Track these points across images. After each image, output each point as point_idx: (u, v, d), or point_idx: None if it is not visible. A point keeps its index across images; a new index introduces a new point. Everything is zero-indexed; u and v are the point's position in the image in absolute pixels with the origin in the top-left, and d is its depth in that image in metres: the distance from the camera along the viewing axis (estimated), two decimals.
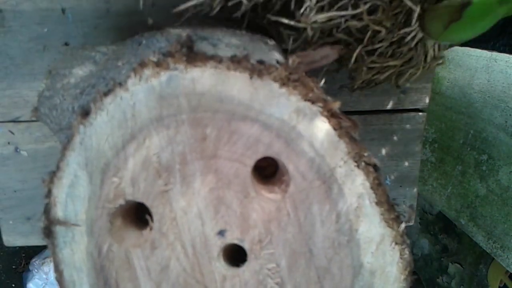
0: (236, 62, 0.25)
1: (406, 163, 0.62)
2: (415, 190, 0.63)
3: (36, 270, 1.50)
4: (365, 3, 0.30)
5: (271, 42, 0.33)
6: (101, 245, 0.27)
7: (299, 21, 0.31)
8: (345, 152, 0.25)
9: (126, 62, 0.30)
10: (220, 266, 0.27)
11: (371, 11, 0.31)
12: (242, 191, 0.26)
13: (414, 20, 0.31)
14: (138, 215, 0.28)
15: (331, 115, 0.25)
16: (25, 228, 0.58)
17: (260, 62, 0.25)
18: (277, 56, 0.30)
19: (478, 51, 0.92)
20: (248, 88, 0.25)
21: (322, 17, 0.30)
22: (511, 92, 0.83)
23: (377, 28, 0.31)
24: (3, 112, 0.51)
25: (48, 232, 0.27)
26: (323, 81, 0.35)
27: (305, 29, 0.32)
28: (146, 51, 0.30)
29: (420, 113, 0.59)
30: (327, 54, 0.28)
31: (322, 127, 0.25)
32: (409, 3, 0.29)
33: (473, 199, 0.93)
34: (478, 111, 0.91)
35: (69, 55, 0.36)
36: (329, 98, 0.26)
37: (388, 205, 0.25)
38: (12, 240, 0.59)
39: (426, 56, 0.34)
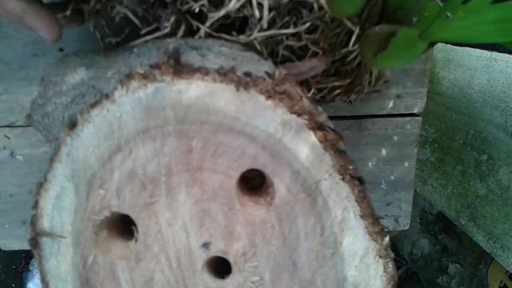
0: (223, 74, 0.25)
1: (402, 168, 0.62)
2: (410, 194, 0.63)
3: (36, 270, 1.50)
4: (304, 23, 0.30)
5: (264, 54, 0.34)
6: (87, 257, 0.27)
7: (238, 37, 0.31)
8: (330, 164, 0.25)
9: (116, 71, 0.30)
10: (204, 279, 0.27)
11: (311, 31, 0.31)
12: (227, 204, 0.26)
13: (352, 41, 0.31)
14: (124, 226, 0.28)
15: (317, 127, 0.25)
16: (21, 232, 0.58)
17: (247, 74, 0.25)
18: (267, 66, 0.31)
19: (478, 51, 0.92)
20: (234, 100, 0.25)
21: (261, 34, 0.31)
22: (511, 92, 0.83)
23: (314, 48, 0.31)
24: None
25: (35, 243, 0.27)
26: (312, 91, 0.35)
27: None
28: (137, 60, 0.30)
29: (416, 118, 0.59)
30: (315, 65, 0.28)
31: (307, 140, 0.25)
32: (349, 24, 0.29)
33: (473, 199, 0.92)
34: (478, 111, 0.91)
35: (62, 62, 0.36)
36: (318, 108, 0.26)
37: (373, 218, 0.25)
38: (9, 244, 0.60)
39: (371, 75, 0.34)
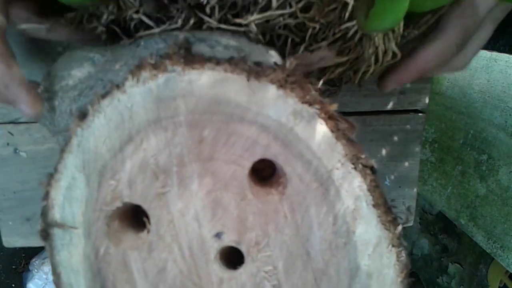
0: (234, 64, 0.25)
1: (406, 164, 0.62)
2: (414, 190, 0.63)
3: (36, 270, 1.50)
4: (298, 1, 0.30)
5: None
6: (98, 248, 0.27)
7: (235, 21, 0.31)
8: (342, 154, 0.25)
9: (124, 64, 0.30)
10: (217, 269, 0.27)
11: (307, 8, 0.31)
12: (239, 193, 0.26)
13: (347, 14, 0.30)
14: (135, 217, 0.28)
15: (328, 117, 0.25)
16: (24, 229, 0.58)
17: (258, 64, 0.25)
18: (275, 58, 0.30)
19: None
20: (245, 90, 0.25)
21: (259, 16, 0.30)
22: (511, 92, 0.84)
23: (311, 24, 0.31)
24: (2, 113, 0.51)
25: (46, 234, 0.27)
26: (321, 82, 0.35)
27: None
28: (144, 53, 0.30)
29: (420, 114, 0.59)
30: (325, 56, 0.28)
31: (319, 129, 0.25)
32: None
33: (473, 199, 0.93)
34: (478, 111, 0.91)
35: (67, 57, 0.36)
36: (326, 100, 0.26)
37: (385, 208, 0.25)
38: (12, 241, 0.59)
39: (377, 51, 0.34)
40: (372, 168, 0.26)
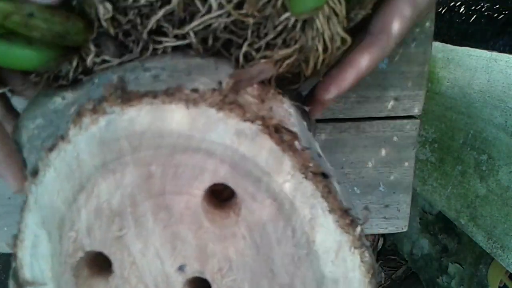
0: (171, 94, 0.25)
1: (400, 170, 0.62)
2: (409, 196, 0.62)
3: None
4: (229, 1, 0.30)
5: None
6: None
7: (173, 32, 0.31)
8: (290, 165, 0.25)
9: (78, 106, 0.30)
10: None
11: (242, 5, 0.31)
12: (195, 223, 0.26)
13: (279, 2, 0.30)
14: (105, 261, 0.28)
15: (272, 131, 0.25)
16: None
17: (194, 90, 0.25)
18: (224, 72, 0.31)
19: (478, 51, 0.94)
20: (186, 118, 0.25)
21: (194, 24, 0.31)
22: (511, 92, 0.84)
23: (247, 20, 0.31)
24: None
25: None
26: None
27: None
28: (98, 91, 0.30)
29: (414, 120, 0.60)
30: (263, 69, 0.28)
31: (264, 145, 0.25)
32: None
33: (473, 199, 0.92)
34: (478, 111, 0.91)
35: (32, 104, 0.37)
36: (266, 114, 0.26)
37: (341, 211, 0.25)
38: (5, 244, 0.60)
39: (323, 37, 0.33)
40: (323, 174, 0.25)
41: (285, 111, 0.32)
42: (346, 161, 0.61)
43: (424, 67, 0.56)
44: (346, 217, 0.25)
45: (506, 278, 1.05)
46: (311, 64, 0.34)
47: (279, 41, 0.33)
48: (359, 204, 0.63)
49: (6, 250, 0.60)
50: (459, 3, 1.03)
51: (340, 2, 0.32)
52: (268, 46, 0.33)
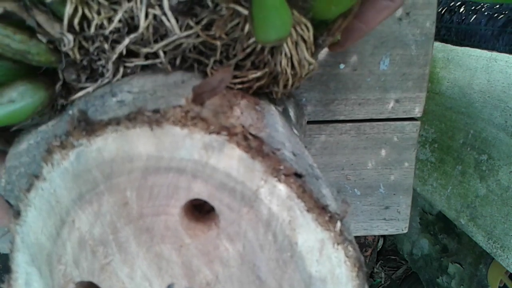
0: (133, 119, 0.25)
1: (400, 171, 0.62)
2: (409, 198, 0.62)
3: None
4: (198, 22, 0.30)
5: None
6: None
7: (141, 50, 0.31)
8: (262, 171, 0.25)
9: (46, 143, 0.31)
10: None
11: (211, 27, 0.31)
12: (177, 241, 0.26)
13: (247, 27, 0.30)
14: None
15: (238, 139, 0.25)
16: None
17: (156, 111, 0.25)
18: (192, 81, 0.31)
19: (478, 51, 0.94)
20: (152, 140, 0.25)
21: (163, 43, 0.31)
22: (511, 92, 0.83)
23: (214, 42, 0.31)
24: None
25: None
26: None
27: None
28: (63, 126, 0.31)
29: (414, 122, 0.60)
30: (222, 77, 0.28)
31: (233, 154, 0.25)
32: (239, 9, 0.29)
33: (473, 199, 0.92)
34: (478, 111, 0.91)
35: (16, 143, 0.37)
36: (230, 123, 0.26)
37: (319, 209, 0.25)
38: (7, 247, 0.61)
39: (292, 61, 0.33)
40: (295, 174, 0.25)
41: (258, 113, 0.31)
42: (346, 162, 0.61)
43: (425, 69, 0.56)
44: (325, 214, 0.25)
45: (506, 278, 1.05)
46: (281, 86, 0.35)
47: (248, 63, 0.33)
48: (359, 206, 0.63)
49: (7, 251, 0.61)
50: (459, 3, 1.02)
51: (308, 29, 0.32)
52: (238, 67, 0.34)
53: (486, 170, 0.88)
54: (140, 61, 0.33)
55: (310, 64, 0.34)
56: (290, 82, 0.35)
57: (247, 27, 0.31)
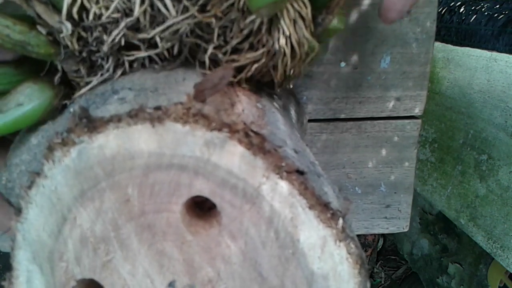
0: (134, 116, 0.25)
1: (401, 170, 0.62)
2: (410, 196, 0.62)
3: None
4: (194, 4, 0.30)
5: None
6: None
7: (136, 35, 0.31)
8: (264, 168, 0.25)
9: (48, 141, 0.31)
10: None
11: (205, 7, 0.30)
12: (179, 238, 0.26)
13: (241, 3, 0.30)
14: (98, 287, 0.28)
15: (240, 136, 0.25)
16: None
17: (157, 108, 0.25)
18: (193, 79, 0.31)
19: (478, 51, 0.94)
20: (153, 137, 0.25)
21: (160, 29, 0.31)
22: (511, 92, 0.84)
23: (209, 20, 0.30)
24: None
25: None
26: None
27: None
28: (64, 123, 0.31)
29: (415, 120, 0.60)
30: (223, 74, 0.28)
31: (235, 151, 0.25)
32: None
33: (473, 199, 0.92)
34: (478, 111, 0.91)
35: (17, 141, 0.37)
36: (231, 119, 0.26)
37: (321, 206, 0.24)
38: (7, 245, 0.61)
39: (291, 41, 0.33)
40: (297, 171, 0.25)
41: (260, 110, 0.31)
42: (347, 161, 0.61)
43: (426, 67, 0.56)
44: (327, 211, 0.24)
45: (506, 278, 1.05)
46: (280, 69, 0.34)
47: (246, 45, 0.33)
48: (360, 204, 0.63)
49: (7, 249, 0.61)
50: (459, 3, 1.02)
51: (305, 5, 0.32)
52: (236, 50, 0.33)
53: (486, 170, 0.88)
54: (139, 53, 0.33)
55: (310, 44, 0.33)
56: (289, 65, 0.34)
57: (241, 3, 0.31)
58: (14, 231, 0.27)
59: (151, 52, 0.32)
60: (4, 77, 0.32)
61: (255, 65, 0.33)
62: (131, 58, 0.33)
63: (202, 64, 0.33)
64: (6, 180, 0.37)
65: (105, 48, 0.31)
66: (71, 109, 0.33)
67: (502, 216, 0.83)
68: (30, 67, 0.33)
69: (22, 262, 0.27)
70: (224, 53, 0.33)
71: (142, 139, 0.25)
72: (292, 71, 0.35)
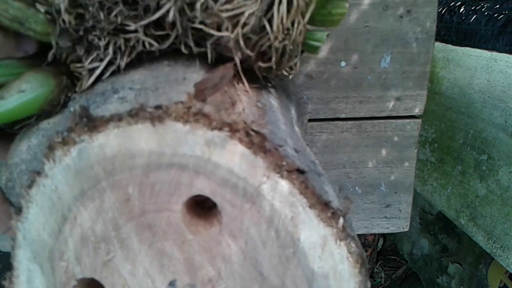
0: (135, 115, 0.25)
1: (401, 170, 0.62)
2: (410, 196, 0.63)
3: None
4: None
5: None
6: None
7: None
8: (264, 167, 0.25)
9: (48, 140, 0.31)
10: None
11: None
12: (179, 238, 0.26)
13: None
14: (99, 286, 0.28)
15: (240, 136, 0.25)
16: None
17: (158, 107, 0.25)
18: (195, 75, 0.30)
19: (478, 51, 0.94)
20: (154, 136, 0.25)
21: (153, 18, 0.30)
22: (511, 92, 0.84)
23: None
24: None
25: None
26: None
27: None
28: (64, 123, 0.31)
29: (415, 120, 0.60)
30: (223, 73, 0.28)
31: (235, 150, 0.25)
32: None
33: (473, 199, 0.92)
34: (478, 111, 0.91)
35: (18, 140, 0.37)
36: (232, 119, 0.26)
37: (322, 205, 0.24)
38: (8, 245, 0.61)
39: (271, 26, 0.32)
40: (298, 170, 0.25)
41: (260, 110, 0.31)
42: (347, 160, 0.61)
43: (426, 67, 0.56)
44: (327, 210, 0.24)
45: (506, 278, 1.05)
46: (277, 21, 0.32)
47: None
48: (360, 204, 0.63)
49: (8, 249, 0.61)
50: (459, 3, 1.02)
51: None
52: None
53: (486, 170, 0.88)
54: (137, 35, 0.32)
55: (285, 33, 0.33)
56: (285, 18, 0.32)
57: None
58: (15, 231, 0.27)
59: (148, 38, 0.32)
60: (7, 69, 0.32)
61: (249, 11, 0.31)
62: (127, 36, 0.32)
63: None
64: (7, 180, 0.37)
65: (101, 25, 0.31)
66: (72, 108, 0.33)
67: (502, 216, 0.83)
68: (32, 60, 0.33)
69: (23, 261, 0.27)
70: (215, 1, 0.32)
71: (142, 138, 0.25)
72: (290, 47, 0.34)
